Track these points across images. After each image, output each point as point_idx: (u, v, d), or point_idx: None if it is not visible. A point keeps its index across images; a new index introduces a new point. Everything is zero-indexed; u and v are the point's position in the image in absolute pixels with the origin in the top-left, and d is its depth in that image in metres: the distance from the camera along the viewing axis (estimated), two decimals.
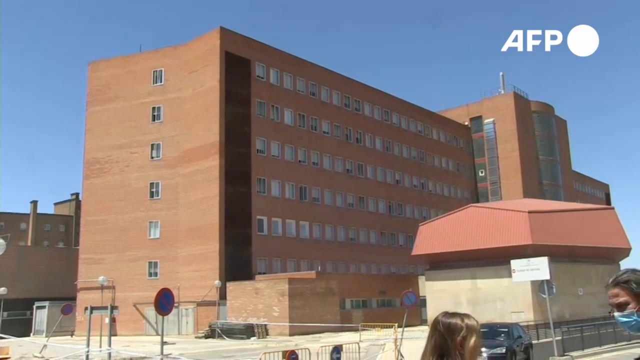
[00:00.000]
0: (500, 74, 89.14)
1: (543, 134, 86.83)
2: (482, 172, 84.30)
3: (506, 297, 39.61)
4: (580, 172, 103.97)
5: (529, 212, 40.78)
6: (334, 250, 57.88)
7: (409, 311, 24.54)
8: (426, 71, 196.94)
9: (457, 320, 2.85)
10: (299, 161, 57.62)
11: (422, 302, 44.24)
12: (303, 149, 58.10)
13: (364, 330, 35.88)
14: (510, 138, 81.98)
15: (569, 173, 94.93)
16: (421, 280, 48.81)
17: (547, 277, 24.02)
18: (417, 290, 40.25)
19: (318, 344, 21.92)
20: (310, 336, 37.27)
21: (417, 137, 73.98)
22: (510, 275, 28.12)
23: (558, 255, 35.54)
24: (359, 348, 20.07)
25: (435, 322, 2.90)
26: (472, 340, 2.79)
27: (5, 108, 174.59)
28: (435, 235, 45.48)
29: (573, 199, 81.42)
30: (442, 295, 43.53)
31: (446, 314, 2.91)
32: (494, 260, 38.98)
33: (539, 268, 24.84)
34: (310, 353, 17.12)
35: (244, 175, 51.85)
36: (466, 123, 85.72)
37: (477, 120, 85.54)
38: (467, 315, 2.91)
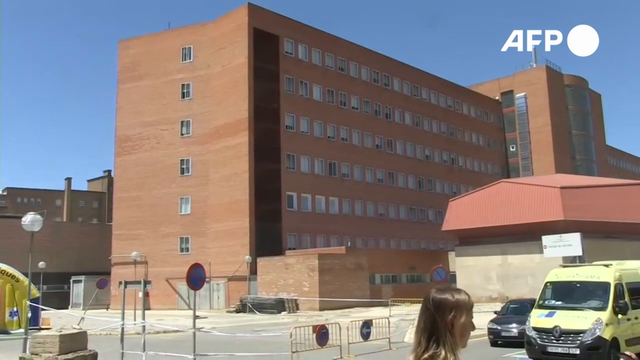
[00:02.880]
0: (533, 47, 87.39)
1: (576, 108, 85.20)
2: (513, 148, 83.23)
3: (537, 272, 39.26)
4: (615, 147, 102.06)
5: (561, 187, 40.25)
6: (363, 226, 57.96)
7: None
8: (456, 45, 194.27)
9: (448, 296, 2.70)
10: (328, 137, 57.55)
11: (452, 278, 44.07)
12: (332, 125, 57.98)
13: (393, 305, 35.99)
14: (542, 112, 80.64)
15: (603, 148, 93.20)
16: (451, 255, 48.67)
17: (580, 253, 23.79)
18: (447, 266, 40.13)
19: (348, 319, 22.09)
20: (340, 311, 37.54)
21: (447, 112, 73.22)
22: (541, 251, 27.91)
23: (591, 231, 35.06)
24: (389, 323, 20.17)
25: (426, 300, 2.76)
26: (463, 319, 2.66)
27: (40, 88, 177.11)
28: (466, 211, 45.22)
29: (607, 175, 79.93)
30: (472, 270, 43.41)
31: (437, 290, 2.75)
32: (525, 236, 38.67)
33: (571, 244, 24.60)
34: (340, 327, 17.25)
35: (274, 151, 52.00)
36: (497, 98, 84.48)
37: (508, 94, 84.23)
38: (458, 291, 2.76)
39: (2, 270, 30.00)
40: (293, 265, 45.38)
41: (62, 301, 52.59)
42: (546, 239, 25.93)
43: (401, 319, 25.86)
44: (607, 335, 13.80)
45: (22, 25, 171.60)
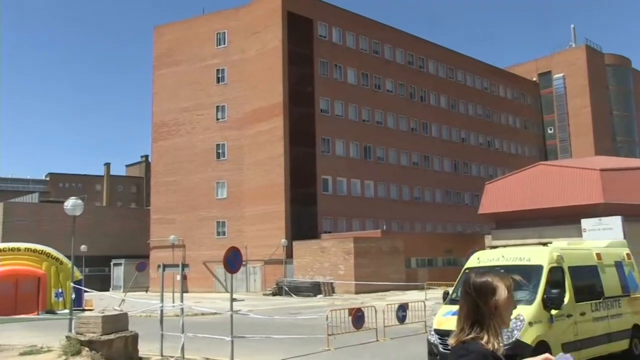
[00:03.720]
0: (572, 26, 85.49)
1: (618, 88, 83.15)
2: (550, 130, 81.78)
3: None
4: None
5: (601, 169, 39.43)
6: (399, 209, 57.80)
7: None
8: (492, 26, 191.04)
9: (488, 279, 2.68)
10: (363, 120, 57.36)
11: None
12: (367, 108, 57.75)
13: (429, 288, 35.90)
14: (582, 93, 78.93)
15: None
16: (487, 239, 48.19)
17: (620, 236, 23.35)
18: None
19: (383, 302, 22.16)
20: (376, 294, 37.62)
21: (483, 95, 72.23)
22: (580, 235, 27.49)
23: (632, 214, 34.33)
24: (425, 306, 20.16)
25: (466, 285, 2.72)
26: (504, 300, 2.64)
27: (80, 77, 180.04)
28: (502, 194, 44.69)
29: None
30: None
31: (477, 274, 2.73)
32: (563, 219, 38.00)
33: (611, 227, 24.17)
34: (375, 310, 17.32)
35: (308, 135, 52.07)
36: (534, 79, 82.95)
37: (546, 75, 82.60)
38: (499, 273, 2.75)
39: (47, 253, 30.88)
40: (329, 249, 45.55)
41: (103, 283, 53.84)
42: (585, 223, 25.50)
43: (437, 303, 25.78)
44: (529, 338, 10.17)
45: (61, 15, 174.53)
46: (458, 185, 65.57)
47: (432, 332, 11.41)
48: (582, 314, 11.55)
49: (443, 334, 10.72)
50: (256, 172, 52.17)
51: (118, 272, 57.84)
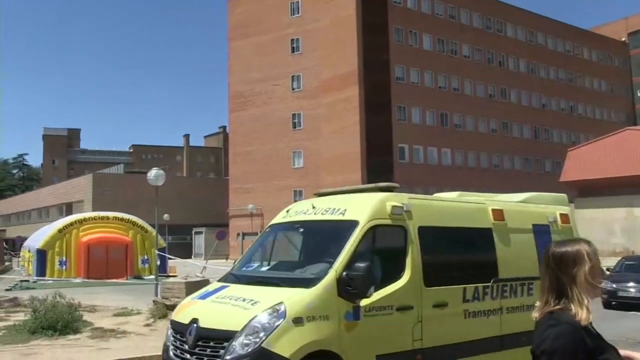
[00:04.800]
0: None
1: None
2: None
3: None
4: None
5: None
6: (477, 177, 56.65)
7: None
8: None
9: (568, 249, 2.57)
10: (439, 87, 56.35)
11: None
12: (443, 75, 56.63)
13: None
14: None
15: None
16: (570, 208, 46.82)
17: None
18: None
19: None
20: None
21: (566, 58, 69.28)
22: None
23: None
24: None
25: (547, 257, 2.63)
26: (587, 268, 2.51)
27: (158, 51, 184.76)
28: (586, 161, 43.17)
29: None
30: (593, 224, 41.56)
31: (556, 244, 2.63)
32: None
33: None
34: None
35: (384, 103, 51.67)
36: (623, 39, 78.75)
37: (636, 35, 78.21)
38: (577, 241, 2.62)
39: (133, 222, 32.24)
40: None
41: (185, 251, 55.70)
42: None
43: None
44: (287, 346, 6.06)
45: None
46: (538, 152, 63.61)
47: (169, 326, 7.31)
48: (440, 305, 7.32)
49: (177, 330, 6.89)
50: (332, 141, 52.33)
51: (199, 240, 59.68)
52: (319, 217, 7.67)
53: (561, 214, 9.57)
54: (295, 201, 53.88)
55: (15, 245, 53.74)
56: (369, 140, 50.36)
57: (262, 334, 6.01)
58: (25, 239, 45.34)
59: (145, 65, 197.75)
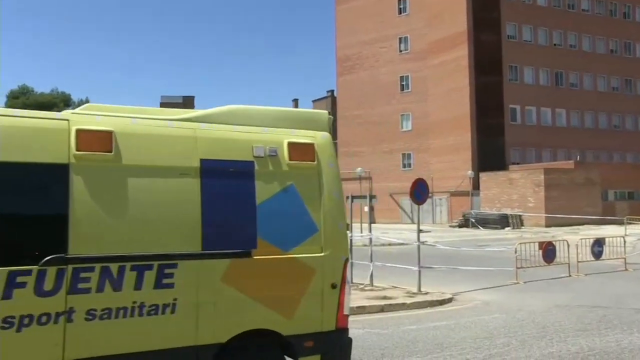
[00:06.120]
0: None
1: None
2: None
3: None
4: None
5: None
6: (594, 138, 53.94)
7: None
8: None
9: None
10: (554, 44, 53.65)
11: None
12: (558, 31, 53.77)
13: (630, 223, 33.54)
14: None
15: None
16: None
17: None
18: None
19: (577, 236, 21.22)
20: (568, 228, 35.98)
21: None
22: None
23: None
24: (624, 242, 18.96)
25: None
26: None
27: (267, 17, 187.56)
28: None
29: None
30: None
31: None
32: None
33: None
34: (568, 245, 16.63)
35: (495, 63, 49.99)
36: None
37: None
38: None
39: None
40: (517, 181, 44.22)
41: None
42: None
43: (639, 239, 24.12)
44: None
45: None
46: None
47: None
48: None
49: None
50: (441, 104, 51.44)
51: None
52: None
53: (294, 144, 5.52)
54: (403, 164, 54.02)
55: None
56: (479, 101, 49.12)
57: None
58: None
59: (254, 30, 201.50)
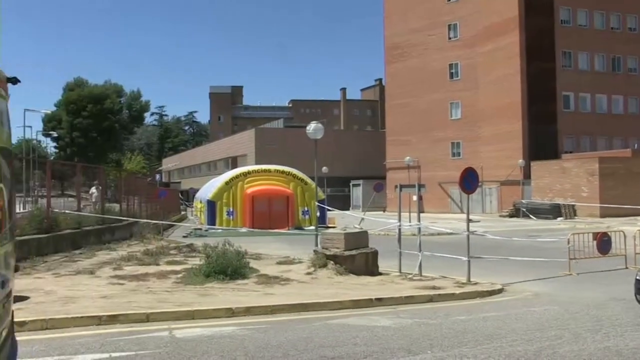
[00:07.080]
0: None
1: None
2: None
3: None
4: None
5: None
6: None
7: None
8: None
9: None
10: (611, 28, 51.89)
11: None
12: (616, 14, 51.95)
13: None
14: None
15: None
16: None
17: None
18: None
19: (634, 227, 20.50)
20: (625, 218, 34.86)
21: None
22: None
23: None
24: None
25: None
26: None
27: (317, 5, 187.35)
28: None
29: None
30: None
31: None
32: None
33: None
34: (624, 236, 16.09)
35: (547, 49, 48.70)
36: None
37: None
38: None
39: (294, 175, 33.70)
40: (570, 170, 43.14)
41: (343, 203, 57.11)
42: None
43: None
44: None
45: None
46: None
47: None
48: None
49: None
50: (491, 91, 50.52)
51: (357, 193, 60.88)
52: None
53: None
54: (452, 153, 53.32)
55: (189, 196, 58.43)
56: (530, 89, 48.02)
57: None
58: (197, 190, 49.01)
59: (302, 20, 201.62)
